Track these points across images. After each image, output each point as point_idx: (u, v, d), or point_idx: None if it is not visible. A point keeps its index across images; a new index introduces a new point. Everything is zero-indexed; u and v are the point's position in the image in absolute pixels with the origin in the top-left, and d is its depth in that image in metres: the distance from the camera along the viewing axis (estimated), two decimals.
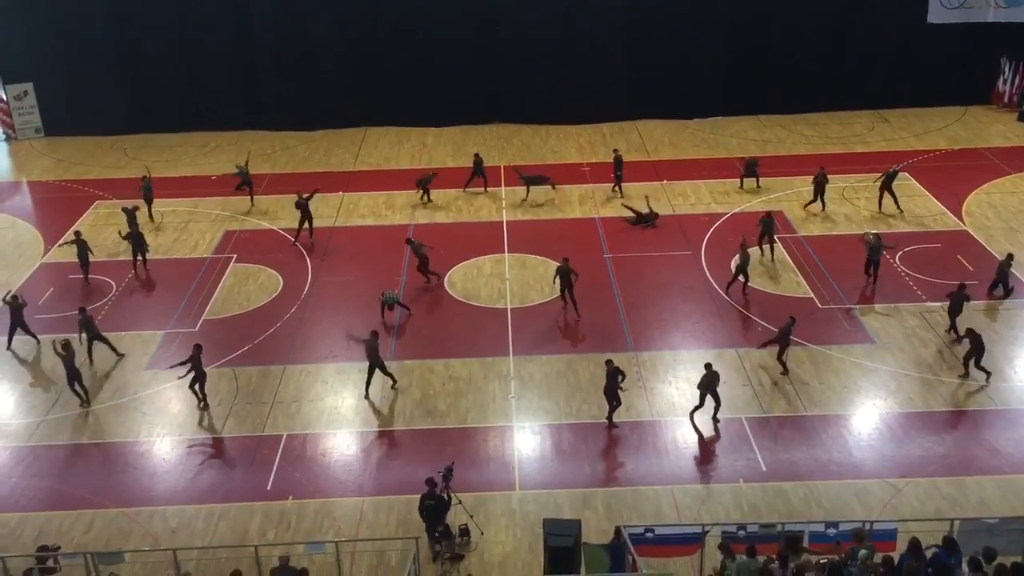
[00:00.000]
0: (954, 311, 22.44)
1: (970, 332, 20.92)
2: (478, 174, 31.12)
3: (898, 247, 25.90)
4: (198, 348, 20.58)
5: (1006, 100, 37.32)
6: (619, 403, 19.79)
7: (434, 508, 16.45)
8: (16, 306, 23.07)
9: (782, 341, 21.18)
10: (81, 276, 25.93)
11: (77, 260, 25.79)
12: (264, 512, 17.83)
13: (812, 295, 24.50)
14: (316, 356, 22.68)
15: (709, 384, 19.65)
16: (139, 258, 26.39)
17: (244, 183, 30.60)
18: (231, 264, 27.11)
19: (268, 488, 18.45)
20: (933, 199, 29.77)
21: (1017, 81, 36.89)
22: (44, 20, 35.99)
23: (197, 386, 20.65)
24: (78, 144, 36.69)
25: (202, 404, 20.79)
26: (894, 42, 36.73)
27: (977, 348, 20.76)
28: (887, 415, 20.03)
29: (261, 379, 21.72)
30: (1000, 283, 24.25)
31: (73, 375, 20.78)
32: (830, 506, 17.45)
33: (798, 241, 27.37)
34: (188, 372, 20.43)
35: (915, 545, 13.81)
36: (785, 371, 21.26)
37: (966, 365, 21.05)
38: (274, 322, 23.95)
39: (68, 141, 36.99)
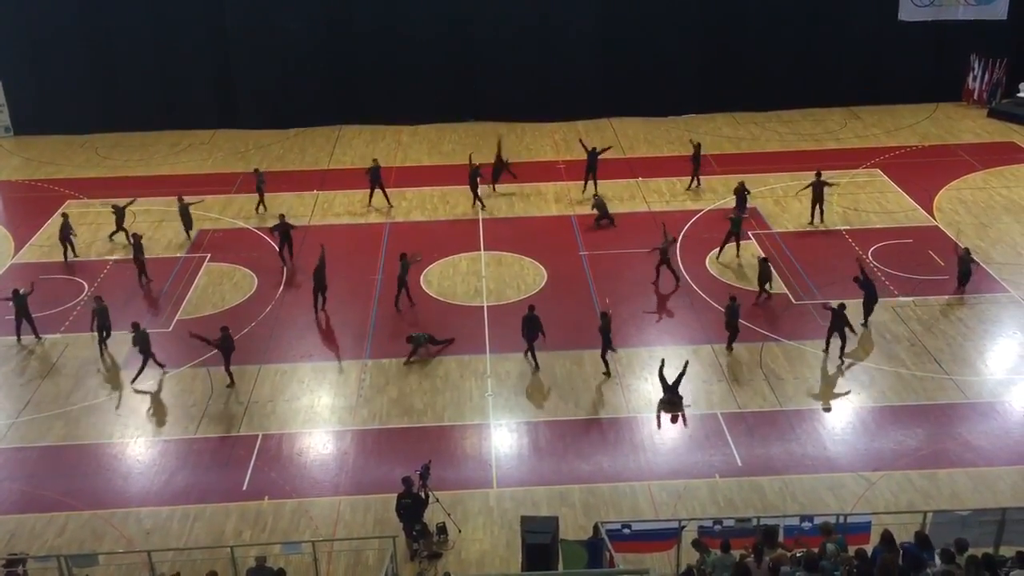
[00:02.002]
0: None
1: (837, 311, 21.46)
2: (504, 168, 30.82)
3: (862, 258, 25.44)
4: (225, 329, 21.22)
5: (976, 97, 37.76)
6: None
7: (411, 507, 16.42)
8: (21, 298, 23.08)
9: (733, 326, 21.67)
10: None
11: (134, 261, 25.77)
12: (240, 512, 17.73)
13: (786, 291, 24.66)
14: (291, 356, 22.57)
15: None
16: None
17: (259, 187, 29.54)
18: (205, 263, 26.91)
19: (244, 488, 18.34)
20: (904, 195, 30.07)
21: (987, 78, 37.32)
22: (13, 17, 35.58)
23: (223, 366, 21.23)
24: (48, 143, 36.29)
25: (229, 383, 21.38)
26: (865, 40, 37.07)
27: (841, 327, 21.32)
28: (860, 409, 20.21)
29: (236, 379, 21.57)
30: (963, 276, 24.41)
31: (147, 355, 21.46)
32: (805, 500, 17.59)
33: (771, 237, 27.54)
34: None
35: (888, 538, 13.94)
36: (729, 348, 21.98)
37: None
38: (249, 322, 23.80)
39: (38, 140, 36.58)
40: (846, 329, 21.50)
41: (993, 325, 23.10)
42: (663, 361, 20.48)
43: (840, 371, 21.43)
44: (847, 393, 20.74)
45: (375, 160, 30.50)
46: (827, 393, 20.81)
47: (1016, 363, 21.68)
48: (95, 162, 34.69)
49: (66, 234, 26.85)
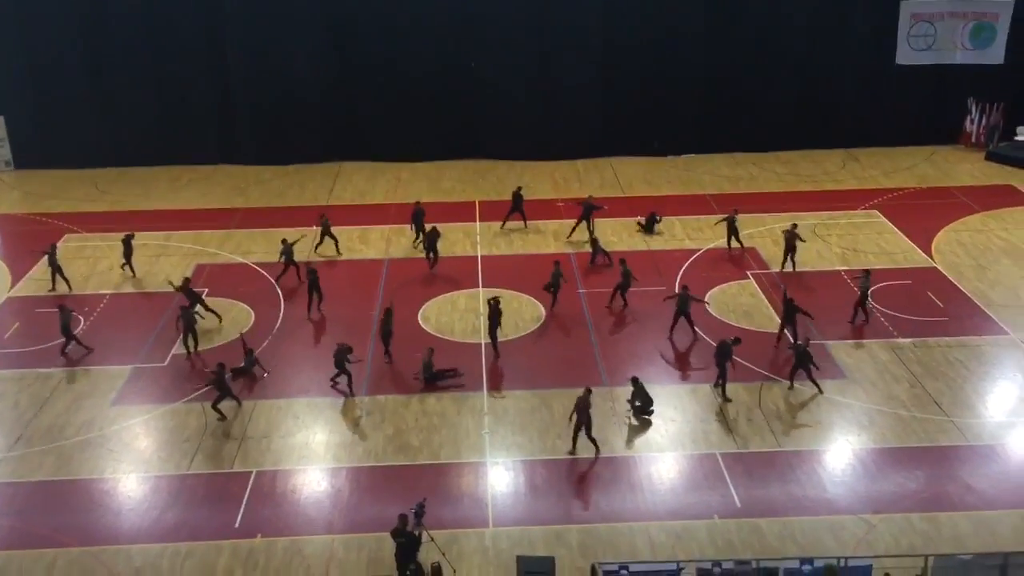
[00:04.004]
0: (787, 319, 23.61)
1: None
2: (516, 209, 30.82)
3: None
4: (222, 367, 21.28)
5: (973, 140, 37.98)
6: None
7: (405, 545, 16.19)
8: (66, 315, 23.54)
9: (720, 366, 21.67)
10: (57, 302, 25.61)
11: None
12: (232, 550, 17.47)
13: (785, 331, 24.53)
14: (288, 391, 22.40)
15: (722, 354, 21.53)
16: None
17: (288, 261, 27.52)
18: (202, 297, 26.80)
19: (236, 526, 18.09)
20: (903, 236, 30.10)
21: (984, 121, 37.58)
22: (15, 52, 35.82)
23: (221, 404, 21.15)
24: (49, 177, 36.38)
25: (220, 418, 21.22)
26: (864, 82, 37.36)
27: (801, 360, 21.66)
28: (860, 451, 20.03)
29: (231, 414, 21.39)
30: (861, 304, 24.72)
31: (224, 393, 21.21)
32: (805, 542, 17.36)
33: (771, 277, 27.51)
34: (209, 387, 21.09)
35: None
36: (724, 397, 21.72)
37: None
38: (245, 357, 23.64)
39: (39, 174, 36.67)
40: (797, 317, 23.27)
41: (993, 367, 22.99)
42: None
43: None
44: (847, 435, 20.57)
45: (418, 202, 30.47)
46: (826, 434, 20.64)
47: (1016, 405, 21.53)
48: (95, 196, 34.75)
49: (54, 262, 26.89)
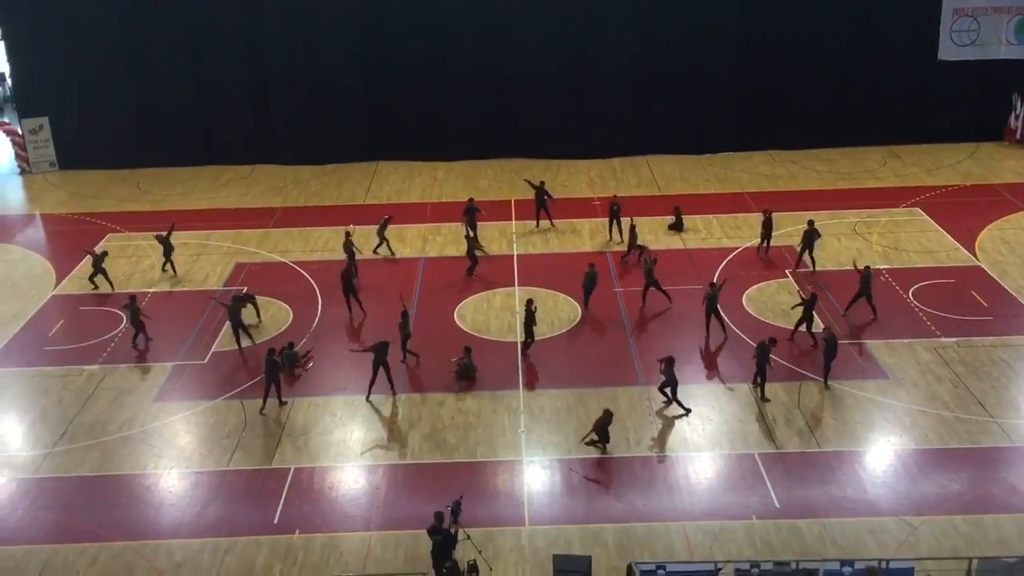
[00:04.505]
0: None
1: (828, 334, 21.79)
2: (540, 204, 30.60)
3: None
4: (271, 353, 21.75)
5: (1018, 136, 37.28)
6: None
7: (441, 543, 16.23)
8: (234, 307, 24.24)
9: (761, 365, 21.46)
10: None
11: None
12: (271, 546, 17.63)
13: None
14: (325, 389, 22.56)
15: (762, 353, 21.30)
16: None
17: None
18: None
19: (275, 522, 18.25)
20: (946, 234, 29.63)
21: None
22: (59, 55, 36.46)
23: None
24: (92, 177, 36.97)
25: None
26: (905, 78, 36.82)
27: (828, 354, 21.58)
28: (902, 452, 19.75)
29: (270, 412, 21.59)
30: (863, 294, 24.45)
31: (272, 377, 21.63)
32: (845, 544, 17.15)
33: (810, 276, 27.20)
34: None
35: None
36: (763, 397, 21.52)
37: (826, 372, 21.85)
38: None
39: (82, 174, 37.28)
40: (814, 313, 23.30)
41: None
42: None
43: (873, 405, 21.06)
44: (888, 435, 20.29)
45: (471, 199, 30.45)
46: (867, 435, 20.37)
47: None
48: (136, 196, 35.26)
49: (98, 266, 27.39)
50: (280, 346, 22.97)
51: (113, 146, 37.49)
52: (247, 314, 24.84)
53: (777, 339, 22.03)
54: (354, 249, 27.29)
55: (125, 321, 25.33)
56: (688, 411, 21.00)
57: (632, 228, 28.67)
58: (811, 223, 27.51)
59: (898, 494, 18.48)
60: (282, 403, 21.76)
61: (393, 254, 29.36)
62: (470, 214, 29.50)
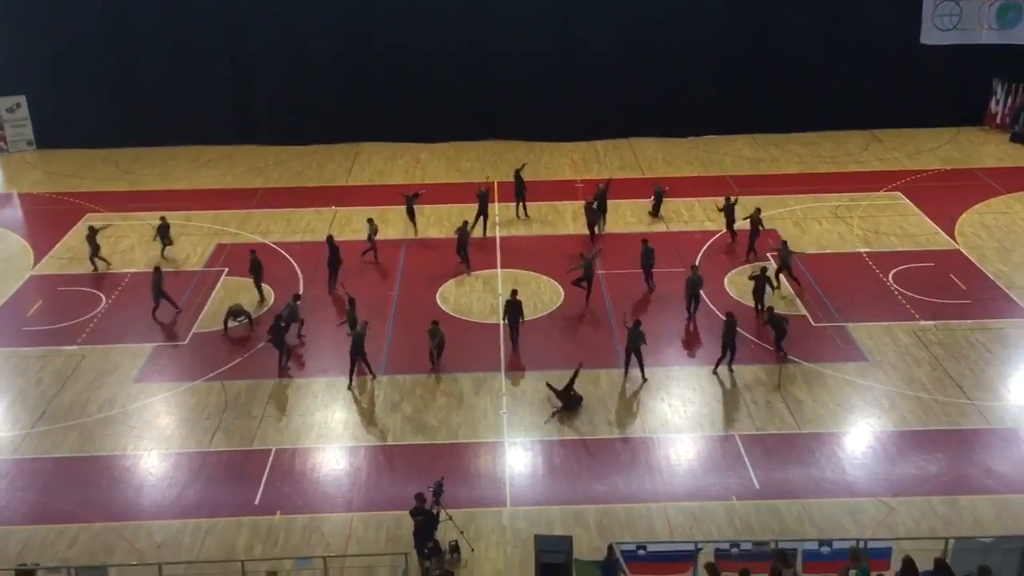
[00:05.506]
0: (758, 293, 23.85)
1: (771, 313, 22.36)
2: (519, 192, 30.31)
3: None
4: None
5: (998, 121, 37.50)
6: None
7: (423, 524, 16.26)
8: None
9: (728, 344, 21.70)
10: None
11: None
12: (252, 527, 17.60)
13: (805, 313, 24.43)
14: (306, 370, 22.50)
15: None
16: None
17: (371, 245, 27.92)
18: (222, 277, 26.96)
19: (256, 503, 18.23)
20: (926, 218, 29.81)
21: (1010, 102, 37.08)
22: (37, 33, 35.95)
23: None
24: (70, 157, 36.56)
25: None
26: (887, 63, 36.90)
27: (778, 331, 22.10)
28: (881, 433, 19.92)
29: (250, 393, 21.53)
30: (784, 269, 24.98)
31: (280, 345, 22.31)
32: (824, 524, 17.31)
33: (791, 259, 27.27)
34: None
35: (909, 564, 13.68)
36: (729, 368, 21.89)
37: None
38: (264, 336, 23.70)
39: (60, 154, 36.86)
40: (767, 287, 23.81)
41: (1016, 350, 22.77)
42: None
43: (854, 390, 21.21)
44: (867, 417, 20.46)
45: (482, 184, 30.24)
46: (847, 417, 20.53)
47: None
48: (116, 176, 34.91)
49: (93, 246, 27.16)
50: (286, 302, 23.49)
51: (92, 125, 37.05)
52: (247, 301, 24.93)
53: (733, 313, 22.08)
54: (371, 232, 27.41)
55: (104, 301, 25.07)
56: (645, 380, 21.44)
57: (731, 206, 27.94)
58: (758, 210, 27.39)
59: (876, 475, 18.66)
60: (283, 369, 21.96)
61: (417, 234, 29.34)
62: (483, 199, 29.03)
